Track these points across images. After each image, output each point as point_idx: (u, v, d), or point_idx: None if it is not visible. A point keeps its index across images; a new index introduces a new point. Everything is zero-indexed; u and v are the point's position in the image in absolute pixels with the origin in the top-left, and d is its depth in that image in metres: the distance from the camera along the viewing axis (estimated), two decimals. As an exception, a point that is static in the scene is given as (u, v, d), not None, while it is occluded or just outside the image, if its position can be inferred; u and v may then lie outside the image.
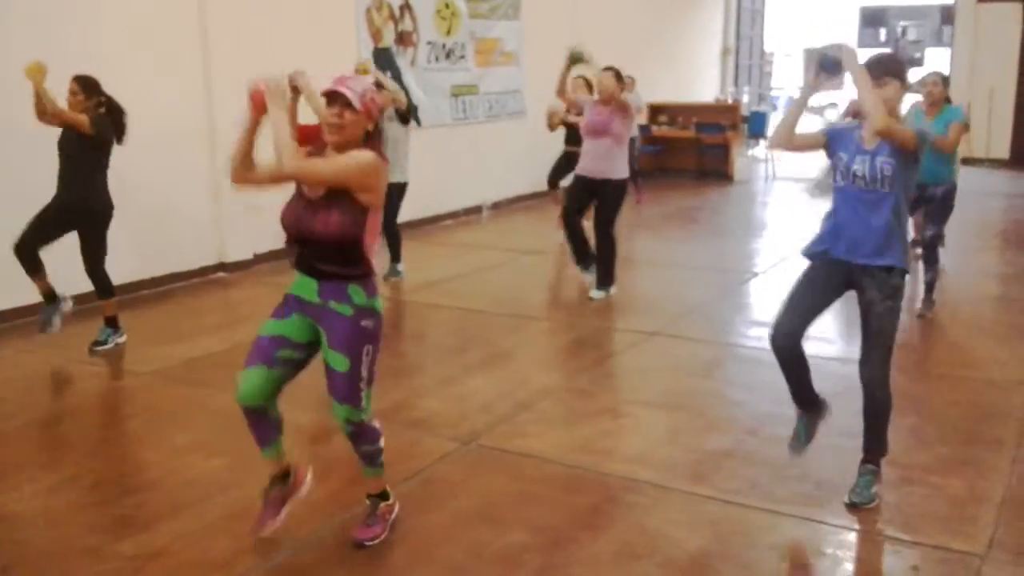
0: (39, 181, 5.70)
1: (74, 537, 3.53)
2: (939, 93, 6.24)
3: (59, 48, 6.51)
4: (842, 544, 3.48)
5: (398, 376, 5.49)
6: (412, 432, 4.51)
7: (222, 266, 7.90)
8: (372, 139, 3.26)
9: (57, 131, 5.61)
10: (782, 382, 5.12)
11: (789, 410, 4.70)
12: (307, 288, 3.28)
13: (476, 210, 11.09)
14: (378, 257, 3.41)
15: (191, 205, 7.64)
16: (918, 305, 6.42)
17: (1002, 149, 14.63)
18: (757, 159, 15.24)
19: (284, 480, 3.52)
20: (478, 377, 5.33)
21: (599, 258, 7.05)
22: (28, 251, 5.60)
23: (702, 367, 5.51)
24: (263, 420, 3.37)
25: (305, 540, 3.49)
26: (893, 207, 3.53)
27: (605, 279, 7.03)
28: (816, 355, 5.57)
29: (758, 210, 12.15)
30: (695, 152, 13.98)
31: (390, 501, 3.56)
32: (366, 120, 3.20)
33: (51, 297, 5.80)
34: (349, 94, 3.12)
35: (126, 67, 6.93)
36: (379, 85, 6.99)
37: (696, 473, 4.01)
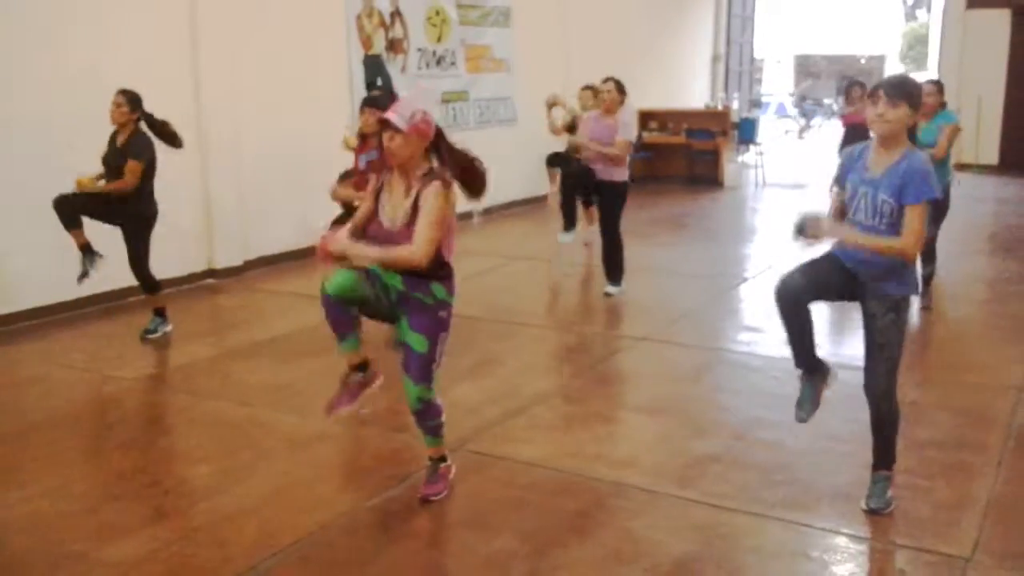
0: (40, 183, 5.76)
1: (59, 543, 3.51)
2: (934, 102, 6.26)
3: (57, 59, 6.53)
4: (828, 548, 3.49)
5: (388, 381, 5.48)
6: (401, 437, 4.50)
7: (212, 272, 7.88)
8: (439, 154, 3.59)
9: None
10: (769, 387, 5.17)
11: (776, 415, 4.73)
12: (391, 275, 3.54)
13: (467, 216, 11.09)
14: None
15: (181, 211, 7.62)
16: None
17: (991, 155, 14.69)
18: (747, 165, 15.28)
19: (362, 369, 3.77)
20: (468, 382, 5.33)
21: (608, 257, 7.27)
22: (70, 209, 5.72)
23: (691, 372, 5.52)
24: (345, 313, 3.53)
25: (288, 548, 3.48)
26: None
27: (616, 276, 7.26)
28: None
29: (748, 216, 12.18)
30: (685, 158, 14.01)
31: (448, 462, 3.93)
32: (418, 140, 3.51)
33: (88, 248, 5.88)
34: (394, 118, 3.46)
35: (117, 73, 6.93)
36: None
37: (684, 477, 4.02)
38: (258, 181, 7.83)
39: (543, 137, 10.03)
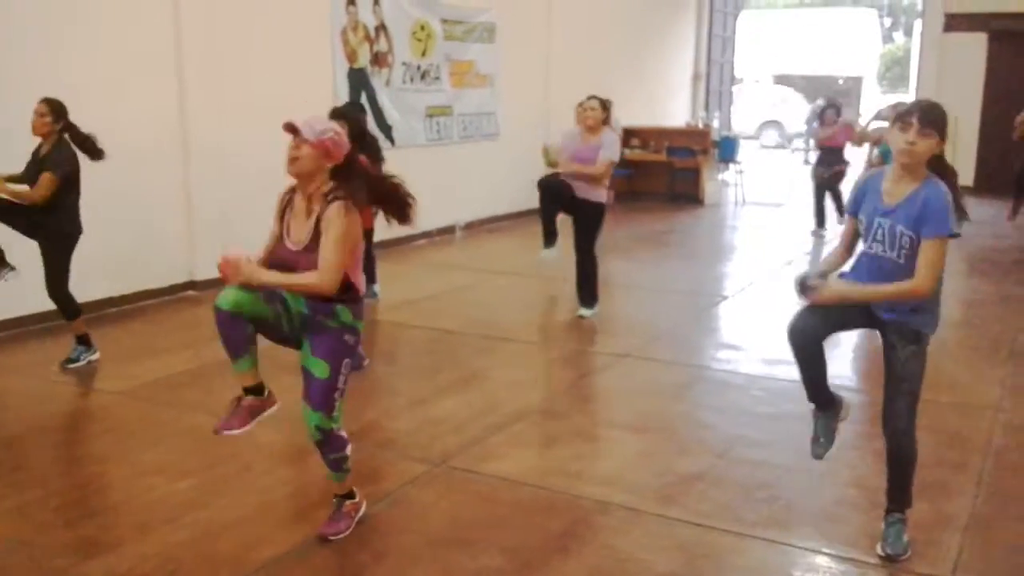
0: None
1: (40, 558, 3.48)
2: None
3: (34, 63, 6.48)
4: (810, 567, 3.51)
5: (369, 396, 5.47)
6: (383, 453, 4.50)
7: (192, 284, 7.84)
8: (342, 176, 3.41)
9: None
10: (751, 405, 5.20)
11: (758, 433, 4.76)
12: (296, 298, 3.42)
13: (449, 230, 11.11)
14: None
15: (161, 222, 7.59)
16: None
17: (967, 177, 14.87)
18: (727, 183, 15.39)
19: (258, 392, 3.55)
20: (450, 398, 5.33)
21: (582, 278, 7.11)
22: None
23: (673, 390, 5.54)
24: (239, 327, 3.34)
25: (271, 561, 3.46)
26: (903, 271, 3.27)
27: (590, 299, 7.12)
28: (784, 378, 5.65)
29: (728, 234, 12.26)
30: (666, 175, 14.10)
31: (356, 500, 3.72)
32: (324, 156, 3.36)
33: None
34: (305, 129, 3.33)
35: (99, 85, 6.90)
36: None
37: (666, 496, 4.03)
38: (240, 193, 7.80)
39: (526, 152, 10.08)
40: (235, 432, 3.51)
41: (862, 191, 3.45)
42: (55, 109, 5.52)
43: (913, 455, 3.47)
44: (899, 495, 3.53)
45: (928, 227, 3.20)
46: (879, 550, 3.52)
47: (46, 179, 5.43)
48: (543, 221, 7.19)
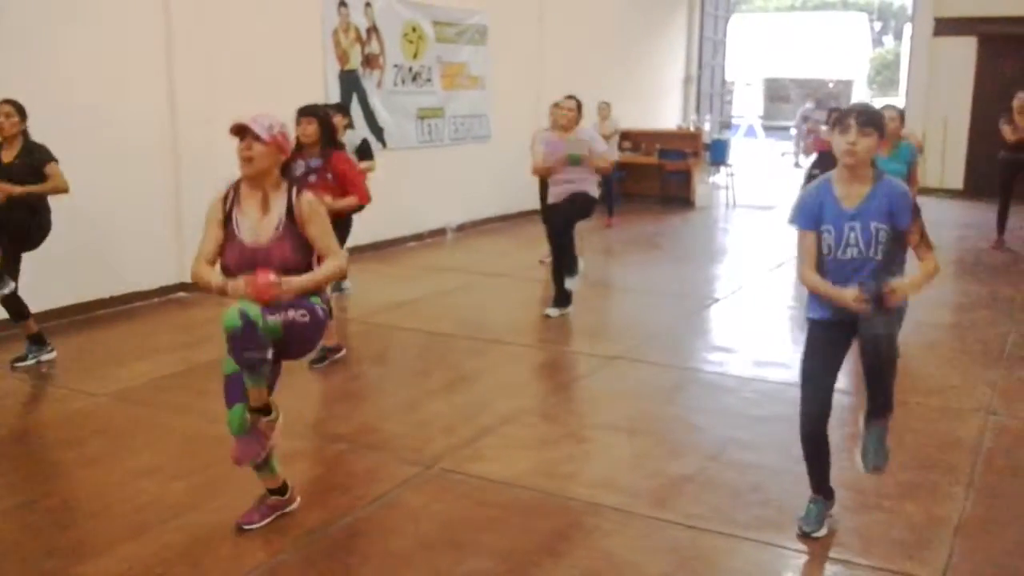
0: None
1: (32, 561, 3.46)
2: (894, 129, 6.27)
3: (31, 75, 6.45)
4: (801, 568, 3.52)
5: (360, 399, 5.47)
6: (374, 455, 4.49)
7: (182, 286, 7.82)
8: (285, 166, 3.58)
9: None
10: (742, 407, 5.22)
11: (749, 435, 4.77)
12: (251, 306, 3.34)
13: (441, 232, 11.11)
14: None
15: (151, 224, 7.57)
16: None
17: (956, 180, 14.95)
18: (718, 186, 15.44)
19: (280, 492, 3.75)
20: (441, 400, 5.32)
21: (558, 267, 7.15)
22: None
23: (664, 392, 5.55)
24: (241, 385, 3.46)
25: (261, 566, 3.45)
26: (885, 266, 3.39)
27: (570, 271, 7.13)
28: (775, 380, 5.67)
29: (719, 236, 12.29)
30: (658, 178, 14.12)
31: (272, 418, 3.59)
32: (277, 152, 3.48)
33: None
34: (256, 127, 3.40)
35: (89, 85, 6.88)
36: None
37: (658, 498, 4.04)
38: (231, 195, 7.79)
39: (517, 155, 10.08)
40: (255, 526, 3.65)
41: (816, 203, 3.44)
42: (20, 109, 5.58)
43: (896, 356, 3.51)
44: (886, 400, 3.53)
45: (903, 217, 3.35)
46: (859, 461, 3.61)
47: (54, 168, 5.53)
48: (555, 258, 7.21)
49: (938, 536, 3.70)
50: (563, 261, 7.15)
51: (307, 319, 3.45)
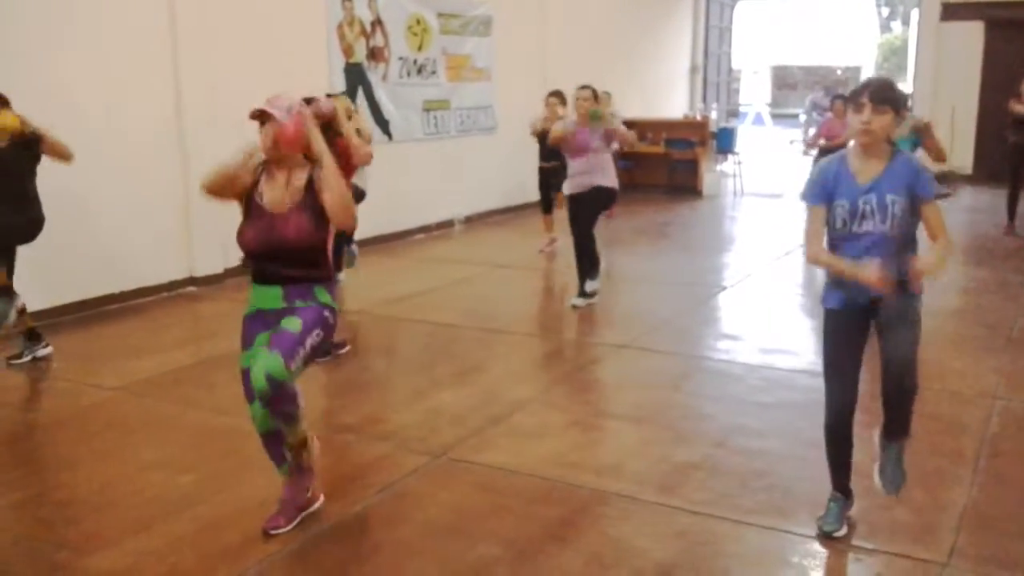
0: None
1: (43, 554, 3.50)
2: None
3: (38, 74, 6.48)
4: (807, 553, 3.53)
5: (368, 390, 5.50)
6: (382, 445, 4.51)
7: (192, 280, 7.86)
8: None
9: None
10: (749, 394, 5.22)
11: (756, 422, 4.78)
12: (270, 297, 3.51)
13: (448, 224, 11.12)
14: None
15: (159, 219, 7.60)
16: None
17: (964, 165, 14.88)
18: (725, 174, 15.40)
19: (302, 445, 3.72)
20: (449, 390, 5.35)
21: (582, 258, 7.22)
22: None
23: (671, 380, 5.56)
24: (277, 442, 3.64)
25: (271, 557, 3.48)
26: (900, 244, 3.30)
27: (594, 271, 7.22)
28: (782, 367, 5.67)
29: (727, 225, 12.27)
30: (665, 167, 14.10)
31: (311, 447, 3.76)
32: (300, 130, 3.47)
33: (6, 291, 5.61)
34: (276, 113, 3.41)
35: (98, 81, 6.91)
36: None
37: (665, 485, 4.05)
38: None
39: (524, 146, 10.08)
40: (282, 530, 3.62)
41: (831, 178, 3.34)
42: (3, 99, 5.48)
43: (917, 386, 3.50)
44: (905, 426, 3.57)
45: (923, 188, 3.25)
46: (879, 485, 3.63)
47: (57, 141, 5.45)
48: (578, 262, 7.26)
49: (944, 521, 3.71)
50: (583, 264, 7.20)
51: (321, 336, 3.52)
